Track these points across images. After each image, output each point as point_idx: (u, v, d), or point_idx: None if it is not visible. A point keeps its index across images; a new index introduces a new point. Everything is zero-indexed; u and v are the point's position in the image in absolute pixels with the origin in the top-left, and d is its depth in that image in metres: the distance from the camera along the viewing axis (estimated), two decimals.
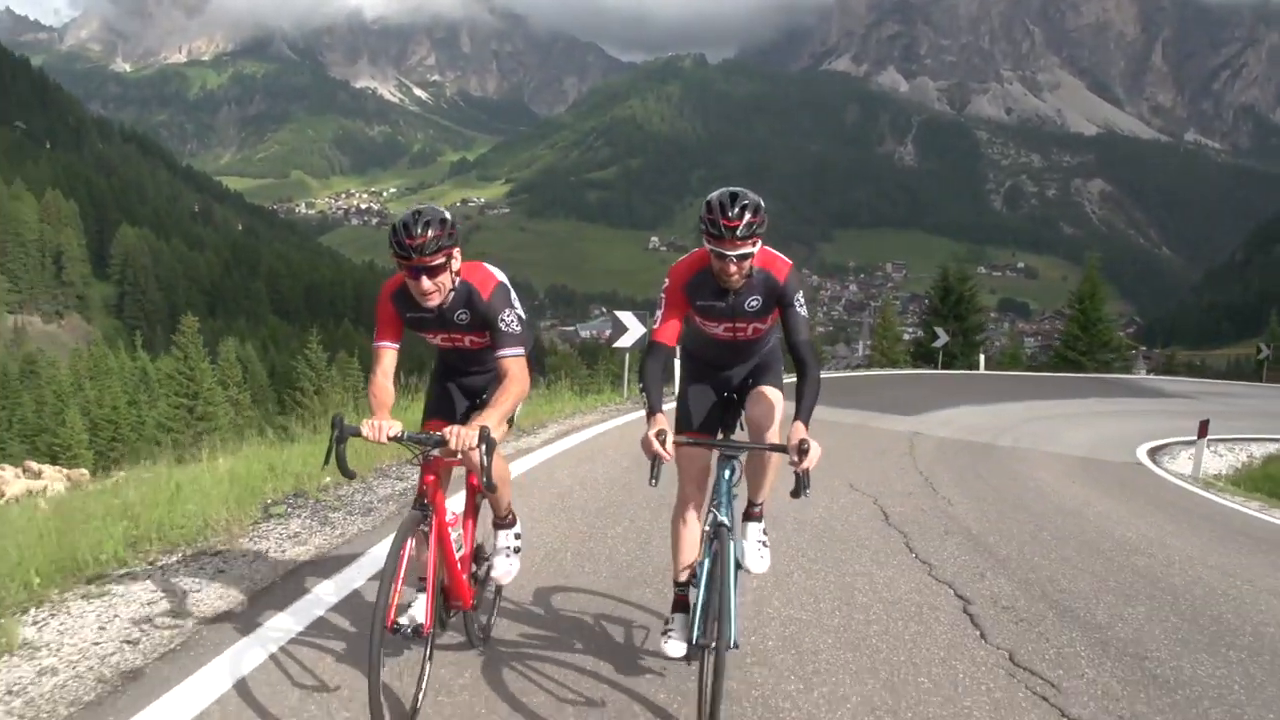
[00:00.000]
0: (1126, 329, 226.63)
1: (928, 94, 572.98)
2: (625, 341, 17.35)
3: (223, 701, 3.58)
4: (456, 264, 3.78)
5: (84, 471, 41.83)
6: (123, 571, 4.94)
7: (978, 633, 4.75)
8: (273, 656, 3.99)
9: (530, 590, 5.13)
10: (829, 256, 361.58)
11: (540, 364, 4.35)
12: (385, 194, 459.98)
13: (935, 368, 35.83)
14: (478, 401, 4.17)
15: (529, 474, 8.37)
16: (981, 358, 36.20)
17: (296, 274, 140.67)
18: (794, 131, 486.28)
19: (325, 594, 4.77)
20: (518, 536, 4.40)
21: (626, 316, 17.86)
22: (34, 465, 41.80)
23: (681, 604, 4.04)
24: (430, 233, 3.57)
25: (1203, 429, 13.97)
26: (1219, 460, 17.88)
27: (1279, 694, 4.25)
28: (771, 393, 4.13)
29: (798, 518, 7.01)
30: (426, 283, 3.66)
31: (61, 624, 4.18)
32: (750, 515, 4.33)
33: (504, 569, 4.32)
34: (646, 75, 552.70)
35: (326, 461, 3.58)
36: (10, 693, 3.53)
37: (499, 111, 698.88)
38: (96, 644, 3.98)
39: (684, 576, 4.08)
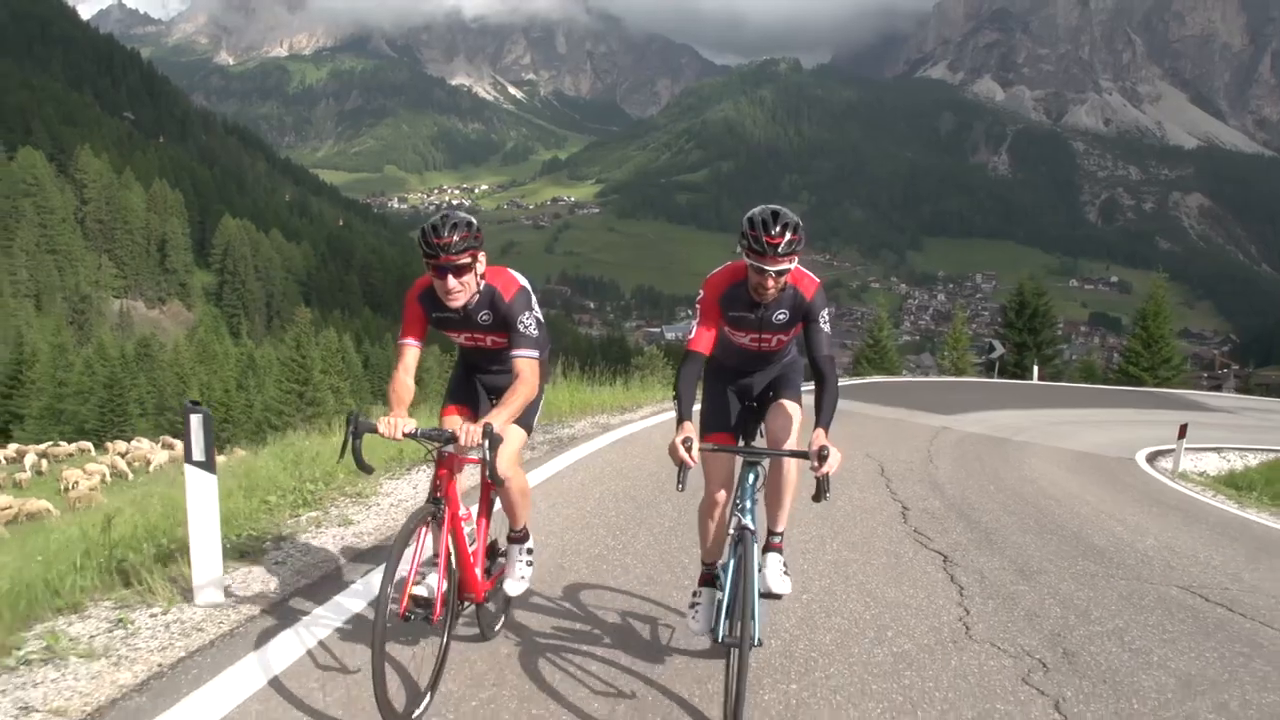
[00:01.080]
0: (1222, 347, 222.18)
1: (1024, 103, 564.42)
2: None
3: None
4: (481, 266, 3.99)
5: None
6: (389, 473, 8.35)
7: (903, 520, 7.89)
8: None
9: (616, 529, 7.64)
10: (918, 265, 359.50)
11: (550, 365, 4.67)
12: (477, 191, 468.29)
13: (992, 377, 38.37)
14: (493, 398, 4.43)
15: (633, 435, 11.72)
16: (1035, 369, 38.33)
17: (389, 267, 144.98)
18: (887, 138, 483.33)
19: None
20: (530, 552, 4.60)
21: None
22: (170, 440, 46.45)
23: (708, 580, 4.39)
24: (456, 235, 3.83)
25: (1181, 431, 16.55)
26: (1224, 465, 19.27)
27: (1058, 548, 7.31)
28: (790, 406, 4.35)
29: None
30: (452, 281, 3.89)
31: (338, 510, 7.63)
32: (770, 547, 4.44)
33: (515, 586, 4.56)
34: (740, 79, 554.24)
35: (342, 456, 3.78)
36: (356, 534, 6.91)
37: (592, 111, 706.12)
38: (413, 493, 7.43)
39: (710, 558, 4.41)
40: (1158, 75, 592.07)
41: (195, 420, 4.51)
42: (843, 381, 29.84)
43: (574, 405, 13.58)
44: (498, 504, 4.46)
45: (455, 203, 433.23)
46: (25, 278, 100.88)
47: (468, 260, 3.87)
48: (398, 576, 3.50)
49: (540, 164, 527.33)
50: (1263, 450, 20.07)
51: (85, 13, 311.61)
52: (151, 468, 38.99)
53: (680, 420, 3.93)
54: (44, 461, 42.88)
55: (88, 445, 47.09)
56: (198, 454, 4.50)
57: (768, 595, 4.27)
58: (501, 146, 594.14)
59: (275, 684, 3.87)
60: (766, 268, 3.78)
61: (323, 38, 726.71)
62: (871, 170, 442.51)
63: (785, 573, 4.40)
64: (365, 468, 3.82)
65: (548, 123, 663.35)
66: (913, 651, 4.66)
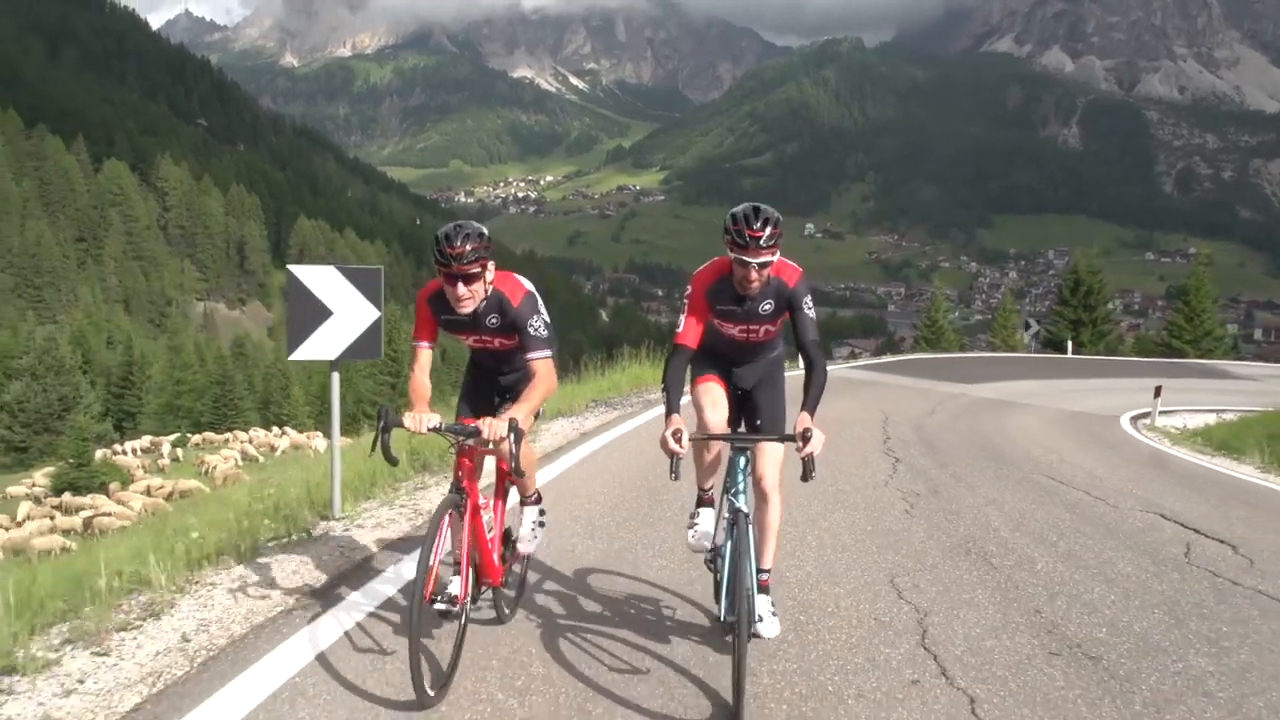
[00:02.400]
0: None
1: (1094, 74, 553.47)
2: None
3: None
4: (490, 275, 4.17)
5: (318, 434, 51.05)
6: None
7: (883, 443, 11.55)
8: (605, 448, 11.17)
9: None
10: (988, 243, 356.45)
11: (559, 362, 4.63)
12: (543, 182, 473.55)
13: (1029, 352, 41.14)
14: (506, 396, 4.59)
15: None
16: (1070, 344, 40.93)
17: None
18: (953, 115, 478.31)
19: (604, 440, 12.04)
20: (542, 513, 4.82)
21: None
22: (289, 430, 51.28)
23: (705, 501, 4.58)
24: (469, 245, 3.98)
25: (1157, 391, 19.58)
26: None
27: (977, 455, 10.92)
28: (772, 450, 4.43)
29: (826, 415, 13.38)
30: (463, 289, 4.05)
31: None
32: (759, 586, 4.41)
33: (529, 544, 4.78)
34: (802, 60, 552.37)
35: (374, 450, 3.98)
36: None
37: (654, 99, 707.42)
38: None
39: (703, 482, 4.61)
40: (1235, 38, 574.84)
41: None
42: (884, 358, 33.58)
43: (656, 380, 17.27)
44: (513, 496, 4.85)
45: (521, 195, 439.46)
46: (115, 284, 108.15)
47: (478, 270, 4.06)
48: (429, 563, 3.73)
49: (604, 153, 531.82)
50: (1257, 411, 21.58)
51: (154, 23, 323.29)
52: (277, 452, 43.84)
53: (669, 412, 4.12)
54: (178, 450, 48.01)
55: (215, 435, 52.32)
56: None
57: (754, 635, 4.22)
58: (565, 137, 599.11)
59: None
60: (750, 260, 3.96)
61: (385, 36, 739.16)
62: (938, 148, 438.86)
63: (774, 614, 4.44)
64: (392, 460, 4.02)
65: (611, 111, 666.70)
66: (848, 490, 8.42)
